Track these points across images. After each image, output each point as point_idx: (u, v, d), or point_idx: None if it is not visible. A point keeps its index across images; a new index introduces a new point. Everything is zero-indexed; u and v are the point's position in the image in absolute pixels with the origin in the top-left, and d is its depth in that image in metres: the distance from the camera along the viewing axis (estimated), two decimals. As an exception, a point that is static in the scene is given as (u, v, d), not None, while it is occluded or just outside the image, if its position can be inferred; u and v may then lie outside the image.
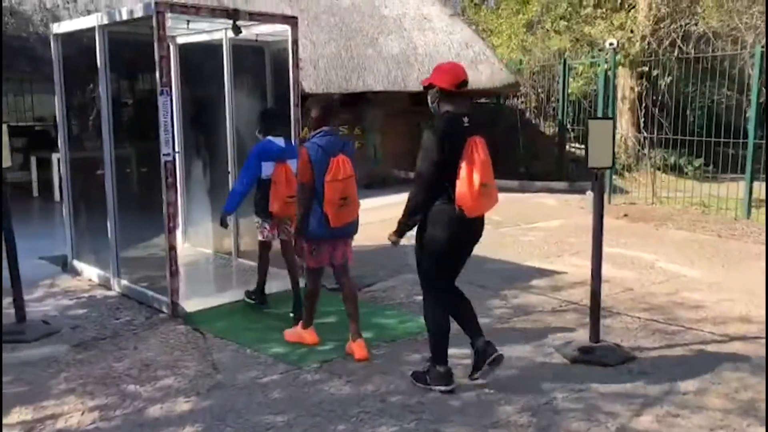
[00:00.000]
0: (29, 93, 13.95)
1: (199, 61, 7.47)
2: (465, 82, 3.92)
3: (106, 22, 5.85)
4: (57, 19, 9.62)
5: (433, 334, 4.07)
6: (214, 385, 4.20)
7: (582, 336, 4.81)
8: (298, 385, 4.20)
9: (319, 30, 13.02)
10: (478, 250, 4.23)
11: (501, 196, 4.02)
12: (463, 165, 3.73)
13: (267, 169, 5.38)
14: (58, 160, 8.43)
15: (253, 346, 4.82)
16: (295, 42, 6.12)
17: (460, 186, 3.74)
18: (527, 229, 9.25)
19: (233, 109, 6.91)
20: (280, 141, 5.50)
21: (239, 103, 7.01)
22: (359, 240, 4.95)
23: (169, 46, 5.30)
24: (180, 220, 7.84)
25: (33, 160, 11.85)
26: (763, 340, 4.82)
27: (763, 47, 9.88)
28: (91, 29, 5.96)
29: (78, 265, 6.89)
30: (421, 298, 4.22)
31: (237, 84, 7.10)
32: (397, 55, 12.77)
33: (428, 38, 12.97)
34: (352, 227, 4.64)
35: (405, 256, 7.58)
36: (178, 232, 7.95)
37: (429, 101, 4.00)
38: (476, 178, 3.71)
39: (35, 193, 11.98)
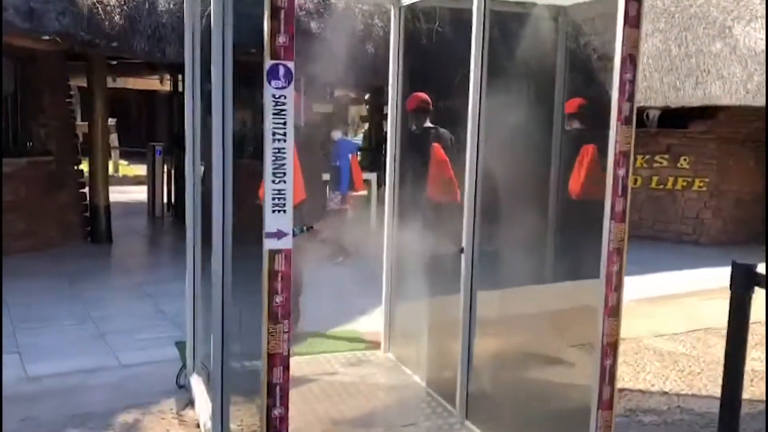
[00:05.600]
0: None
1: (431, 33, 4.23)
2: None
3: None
4: None
5: None
6: None
7: None
8: None
9: (639, 16, 9.13)
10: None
11: None
12: None
13: None
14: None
15: None
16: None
17: None
18: None
19: (481, 113, 3.47)
20: None
21: (495, 104, 3.58)
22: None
23: None
24: (383, 309, 4.62)
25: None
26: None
27: None
28: None
29: (196, 384, 3.98)
30: None
31: (496, 75, 3.66)
32: (762, 52, 8.37)
33: (819, 25, 8.36)
34: None
35: None
36: (381, 331, 4.78)
37: None
38: None
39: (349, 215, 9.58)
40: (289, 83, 2.03)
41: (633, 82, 2.48)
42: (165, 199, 10.76)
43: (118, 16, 6.48)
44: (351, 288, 5.94)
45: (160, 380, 4.27)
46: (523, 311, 4.91)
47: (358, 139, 15.16)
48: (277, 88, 2.02)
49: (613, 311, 2.48)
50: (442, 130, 5.58)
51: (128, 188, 13.82)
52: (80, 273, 6.83)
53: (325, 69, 6.56)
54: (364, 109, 15.22)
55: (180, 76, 10.44)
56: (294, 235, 2.10)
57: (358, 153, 13.36)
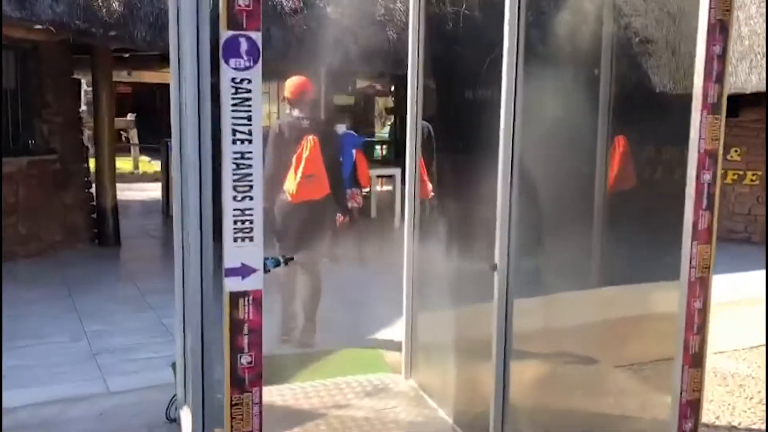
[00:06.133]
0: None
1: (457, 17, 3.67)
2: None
3: None
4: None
5: None
6: None
7: None
8: None
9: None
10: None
11: None
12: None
13: None
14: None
15: None
16: None
17: None
18: None
19: (516, 105, 2.87)
20: None
21: (535, 101, 3.00)
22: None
23: None
24: (404, 327, 4.06)
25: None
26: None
27: None
28: None
29: (186, 418, 3.45)
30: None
31: (531, 62, 3.06)
32: (824, 32, 7.61)
33: None
34: None
35: None
36: (401, 356, 4.21)
37: None
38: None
39: (373, 215, 9.08)
40: (254, 62, 1.46)
41: (723, 57, 1.87)
42: (178, 197, 10.31)
43: (116, 3, 5.98)
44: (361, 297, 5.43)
45: (150, 411, 3.76)
46: (567, 325, 4.33)
47: (385, 132, 14.60)
48: (237, 69, 1.46)
49: (696, 360, 1.88)
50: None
51: (146, 185, 13.44)
52: (81, 280, 6.37)
53: (343, 57, 5.97)
54: (390, 101, 14.69)
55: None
56: (266, 270, 1.54)
57: (383, 147, 12.81)
